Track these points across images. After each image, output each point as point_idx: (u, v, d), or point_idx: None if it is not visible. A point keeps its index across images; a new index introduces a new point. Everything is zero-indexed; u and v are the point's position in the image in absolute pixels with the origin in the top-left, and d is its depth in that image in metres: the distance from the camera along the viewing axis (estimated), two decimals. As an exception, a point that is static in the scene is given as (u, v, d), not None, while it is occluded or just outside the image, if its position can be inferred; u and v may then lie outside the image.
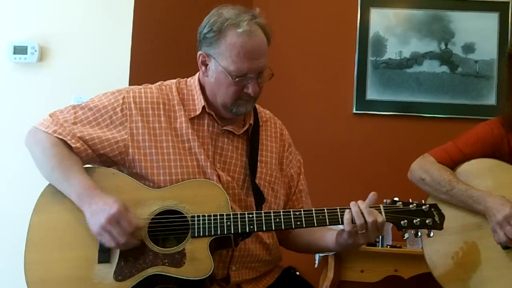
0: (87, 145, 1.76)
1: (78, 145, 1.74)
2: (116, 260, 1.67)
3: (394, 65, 3.51)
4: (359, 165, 3.49)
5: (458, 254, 2.07)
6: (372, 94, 3.52)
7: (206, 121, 1.84)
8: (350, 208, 1.72)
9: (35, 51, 2.76)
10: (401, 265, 3.02)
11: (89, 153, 1.77)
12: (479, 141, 2.16)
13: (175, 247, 1.68)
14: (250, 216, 1.70)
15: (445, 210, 2.02)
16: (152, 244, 1.68)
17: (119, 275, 1.65)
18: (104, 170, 1.79)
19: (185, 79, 1.93)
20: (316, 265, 3.12)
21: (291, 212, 1.73)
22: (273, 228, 1.72)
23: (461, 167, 2.15)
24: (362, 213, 1.69)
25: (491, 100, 3.45)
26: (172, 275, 1.64)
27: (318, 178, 3.40)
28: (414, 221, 1.74)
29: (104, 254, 1.68)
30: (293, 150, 2.02)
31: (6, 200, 2.81)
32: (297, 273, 3.27)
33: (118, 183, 1.74)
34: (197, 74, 1.91)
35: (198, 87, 1.86)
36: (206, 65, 1.82)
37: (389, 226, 3.13)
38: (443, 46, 3.50)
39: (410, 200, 1.74)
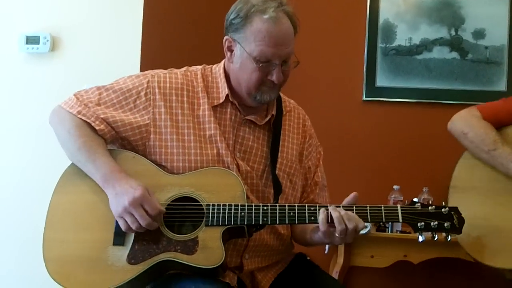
0: (110, 127, 1.78)
1: (102, 126, 1.76)
2: (130, 244, 1.69)
3: (404, 52, 3.50)
4: (369, 153, 3.50)
5: (485, 218, 2.02)
6: (382, 81, 3.52)
7: (228, 110, 1.84)
8: (327, 208, 1.69)
9: (47, 41, 2.78)
10: (410, 251, 3.02)
11: (113, 134, 1.79)
12: None
13: (188, 234, 1.69)
14: (265, 208, 1.70)
15: (478, 168, 2.00)
16: (167, 230, 1.70)
17: (132, 259, 1.68)
18: (125, 154, 1.80)
19: (210, 66, 1.92)
20: (326, 251, 3.14)
21: (306, 207, 1.72)
22: (287, 222, 1.72)
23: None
24: (343, 219, 1.66)
25: (502, 86, 3.43)
26: (183, 262, 1.66)
27: (327, 166, 3.37)
28: (432, 223, 1.72)
29: (119, 237, 1.70)
30: (314, 142, 2.02)
31: (20, 187, 2.86)
32: (308, 258, 3.31)
33: (138, 167, 1.76)
34: (222, 62, 1.90)
35: (223, 75, 1.86)
36: (231, 51, 1.82)
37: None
38: (453, 32, 3.48)
39: (429, 201, 1.69)
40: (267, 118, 1.89)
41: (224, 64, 1.89)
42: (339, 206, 1.71)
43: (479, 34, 3.46)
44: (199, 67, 1.91)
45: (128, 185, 1.67)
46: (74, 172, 1.78)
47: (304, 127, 2.00)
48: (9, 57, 2.84)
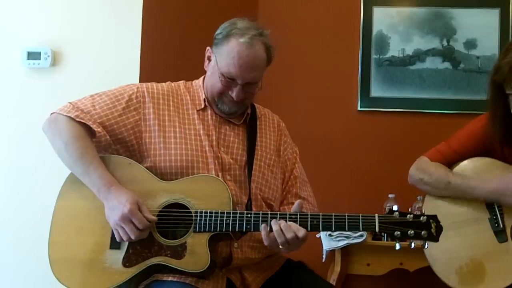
0: (106, 131, 1.90)
1: (99, 129, 1.89)
2: (125, 248, 1.83)
3: (397, 62, 3.57)
4: (364, 162, 3.54)
5: (456, 249, 2.12)
6: (376, 91, 3.58)
7: (209, 112, 2.02)
8: (267, 222, 1.77)
9: (48, 56, 2.82)
10: (406, 259, 3.06)
11: (107, 139, 1.91)
12: (470, 139, 2.21)
13: (177, 240, 1.80)
14: (249, 216, 1.79)
15: (442, 207, 2.09)
16: (158, 235, 1.82)
17: (127, 262, 1.81)
18: (120, 160, 1.91)
19: (190, 81, 2.10)
20: (323, 260, 3.17)
21: (287, 215, 1.79)
22: (268, 228, 1.79)
23: (456, 168, 2.21)
24: (282, 231, 1.74)
25: (493, 95, 3.50)
26: (172, 266, 1.78)
27: (322, 175, 3.45)
28: (409, 232, 1.76)
29: (115, 241, 1.82)
30: (289, 141, 2.15)
31: (21, 201, 2.89)
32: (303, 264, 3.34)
33: (133, 173, 1.89)
34: (201, 77, 2.08)
35: (202, 86, 2.05)
36: (209, 60, 2.01)
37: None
38: (445, 43, 3.55)
39: (410, 209, 1.70)
40: (243, 118, 2.06)
41: (202, 78, 2.07)
42: (286, 215, 1.78)
43: (470, 44, 3.53)
44: (180, 82, 2.10)
45: (117, 201, 1.79)
46: (75, 179, 1.90)
47: (279, 127, 2.15)
48: (11, 72, 2.87)
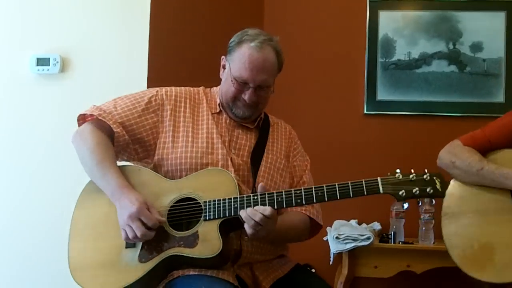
0: (125, 131, 1.99)
1: (118, 130, 1.98)
2: (140, 245, 1.88)
3: (403, 66, 3.58)
4: (371, 165, 3.54)
5: (478, 237, 2.11)
6: (382, 94, 3.59)
7: (224, 116, 2.10)
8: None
9: (57, 62, 2.87)
10: (413, 261, 3.07)
11: (125, 139, 2.00)
12: (506, 130, 2.19)
13: (189, 230, 1.86)
14: (255, 198, 1.83)
15: (468, 194, 2.07)
16: (171, 229, 1.88)
17: (143, 258, 1.87)
18: (132, 168, 2.02)
19: (209, 88, 2.18)
20: (331, 262, 3.19)
21: (292, 191, 1.84)
22: (276, 207, 1.83)
23: (488, 157, 2.19)
24: (249, 216, 1.79)
25: (500, 98, 3.51)
26: (186, 255, 1.83)
27: (329, 179, 3.44)
28: (413, 190, 1.78)
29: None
30: (299, 148, 2.20)
31: (34, 207, 2.93)
32: (313, 270, 3.38)
33: (143, 178, 1.97)
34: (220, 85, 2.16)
35: (219, 92, 2.12)
36: (224, 68, 2.10)
37: (401, 223, 3.21)
38: (451, 46, 3.55)
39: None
40: (256, 122, 2.12)
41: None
42: (257, 195, 1.83)
43: (476, 47, 3.53)
44: (200, 88, 2.17)
45: (127, 200, 1.86)
46: (91, 189, 1.99)
47: (290, 135, 2.20)
48: (21, 78, 2.92)
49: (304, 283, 2.02)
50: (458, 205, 2.20)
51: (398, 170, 1.82)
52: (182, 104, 2.08)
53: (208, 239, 1.82)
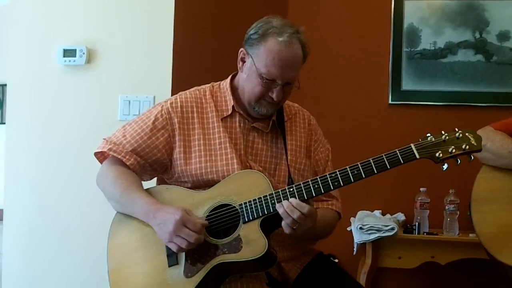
0: (139, 157, 1.95)
1: (132, 160, 1.95)
2: (183, 261, 1.82)
3: (428, 55, 3.55)
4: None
5: (507, 223, 2.09)
6: (407, 84, 3.57)
7: (237, 119, 1.99)
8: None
9: (83, 53, 2.89)
10: (437, 252, 3.07)
11: (141, 164, 1.96)
12: None
13: (230, 236, 1.80)
14: (291, 190, 1.79)
15: (499, 180, 2.05)
16: (211, 238, 1.82)
17: (188, 272, 1.81)
18: (159, 188, 1.97)
19: (218, 82, 2.08)
20: (354, 253, 3.19)
21: (327, 175, 1.80)
22: (314, 194, 1.79)
23: None
24: (287, 213, 1.74)
25: (527, 87, 3.46)
26: (232, 260, 1.77)
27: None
28: (450, 149, 1.74)
29: (172, 258, 1.84)
30: (320, 138, 2.13)
31: (50, 198, 2.98)
32: (336, 260, 3.39)
33: (172, 195, 1.92)
34: (228, 78, 2.06)
35: (229, 89, 2.02)
36: (243, 62, 1.97)
37: (426, 214, 3.20)
38: (477, 35, 3.51)
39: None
40: (271, 124, 2.02)
41: (230, 79, 2.05)
42: (292, 187, 1.78)
43: (503, 36, 3.49)
44: (207, 85, 2.07)
45: (165, 213, 1.80)
46: (120, 218, 1.96)
47: (310, 126, 2.11)
48: (49, 69, 2.96)
49: (327, 272, 2.01)
50: (489, 190, 2.18)
51: (428, 134, 1.78)
52: (190, 115, 1.98)
53: (252, 240, 1.77)
